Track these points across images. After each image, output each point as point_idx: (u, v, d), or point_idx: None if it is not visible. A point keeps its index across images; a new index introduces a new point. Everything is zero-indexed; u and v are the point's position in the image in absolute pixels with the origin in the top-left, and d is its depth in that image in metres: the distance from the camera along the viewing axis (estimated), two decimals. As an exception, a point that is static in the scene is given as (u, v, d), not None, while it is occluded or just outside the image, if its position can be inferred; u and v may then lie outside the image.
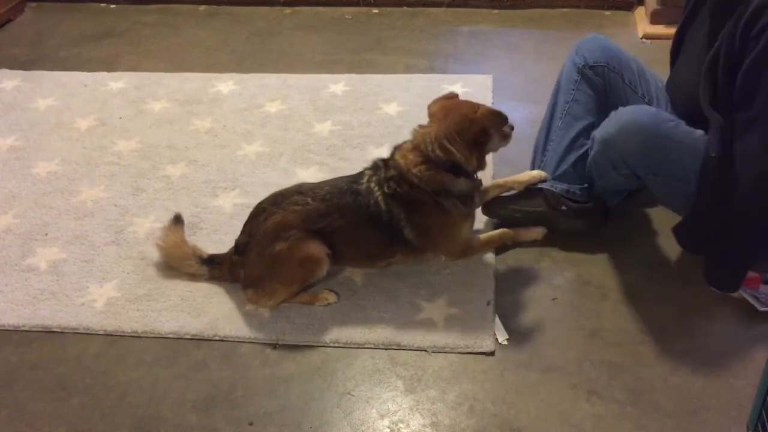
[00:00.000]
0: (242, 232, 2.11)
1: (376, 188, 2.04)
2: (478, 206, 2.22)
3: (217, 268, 2.15)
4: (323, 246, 2.02)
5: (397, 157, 2.07)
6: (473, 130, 1.98)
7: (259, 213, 2.08)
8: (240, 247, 2.09)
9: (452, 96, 2.14)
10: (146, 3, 3.99)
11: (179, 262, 2.18)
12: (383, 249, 2.12)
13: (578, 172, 2.24)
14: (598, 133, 2.10)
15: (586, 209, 2.24)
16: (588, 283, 2.14)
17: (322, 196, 2.05)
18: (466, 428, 1.77)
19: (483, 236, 2.24)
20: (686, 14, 2.12)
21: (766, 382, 1.58)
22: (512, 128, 2.10)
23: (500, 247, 2.27)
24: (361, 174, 2.12)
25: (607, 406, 1.80)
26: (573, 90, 2.30)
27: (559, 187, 2.24)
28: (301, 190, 2.09)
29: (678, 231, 2.07)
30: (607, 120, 2.08)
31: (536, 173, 2.30)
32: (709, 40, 1.90)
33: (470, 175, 2.08)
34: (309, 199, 2.04)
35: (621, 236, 2.29)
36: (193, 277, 2.18)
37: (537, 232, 2.27)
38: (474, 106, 2.03)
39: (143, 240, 2.37)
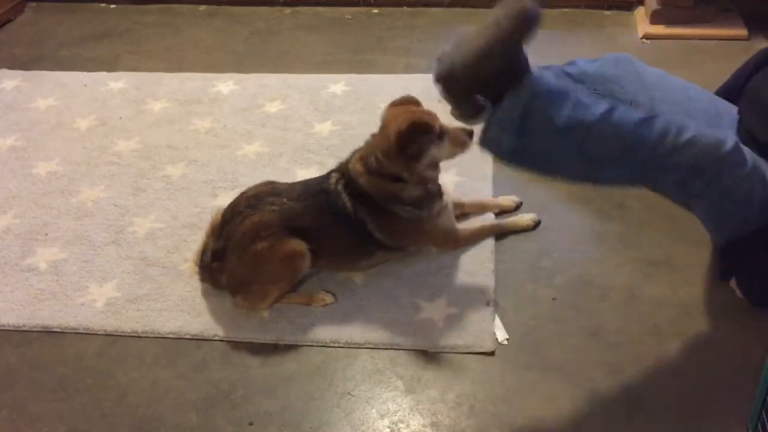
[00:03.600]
0: (218, 237, 2.08)
1: (343, 191, 2.05)
2: (443, 208, 2.14)
3: (204, 269, 2.12)
4: (302, 242, 2.01)
5: (351, 164, 2.06)
6: (393, 150, 1.93)
7: (234, 216, 2.05)
8: (218, 253, 2.05)
9: (405, 102, 2.05)
10: (146, 3, 3.99)
11: (208, 236, 2.17)
12: (360, 249, 2.11)
13: None
14: None
15: None
16: (588, 283, 2.14)
17: (297, 195, 2.06)
18: (466, 428, 1.77)
19: (472, 228, 2.25)
20: None
21: (766, 382, 1.58)
22: (470, 133, 1.98)
23: (499, 240, 2.27)
24: (328, 175, 2.12)
25: (607, 406, 1.80)
26: None
27: None
28: (275, 191, 2.08)
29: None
30: None
31: (511, 200, 2.37)
32: None
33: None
34: (285, 199, 2.04)
35: (621, 236, 2.29)
36: (194, 264, 2.17)
37: (527, 221, 2.29)
38: (400, 121, 1.92)
39: (143, 240, 2.37)
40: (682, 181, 1.78)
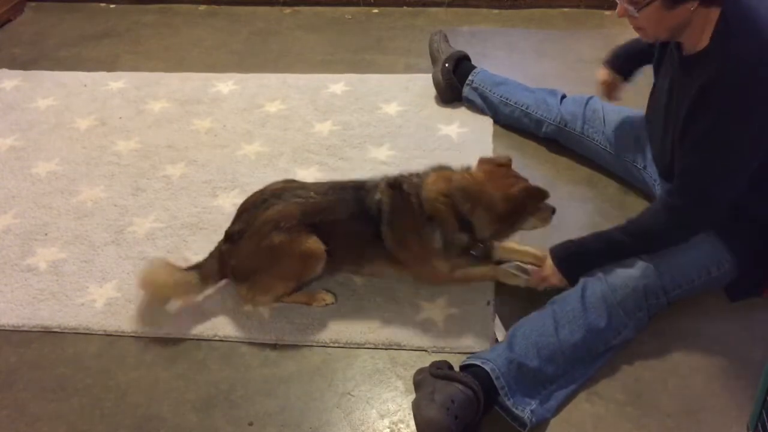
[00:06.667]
0: (236, 221, 2.07)
1: (385, 191, 2.04)
2: (461, 265, 2.10)
3: (205, 265, 2.08)
4: (320, 242, 2.01)
5: (431, 176, 2.05)
6: (507, 208, 1.94)
7: (258, 203, 2.05)
8: (233, 236, 2.04)
9: (506, 163, 2.07)
10: (146, 3, 3.99)
11: (171, 288, 2.06)
12: (367, 249, 2.08)
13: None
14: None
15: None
16: (588, 283, 2.14)
17: (324, 191, 2.07)
18: (466, 428, 1.76)
19: (462, 271, 2.11)
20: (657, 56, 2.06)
21: (766, 382, 1.58)
22: (554, 211, 2.04)
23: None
24: (376, 179, 2.11)
25: (607, 406, 1.80)
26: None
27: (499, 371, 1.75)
28: (305, 185, 2.10)
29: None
30: None
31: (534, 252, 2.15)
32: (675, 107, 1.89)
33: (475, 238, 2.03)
34: (312, 193, 2.05)
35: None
36: (187, 289, 2.07)
37: (519, 282, 2.10)
38: (514, 182, 1.98)
39: (143, 240, 2.37)
40: None
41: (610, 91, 2.44)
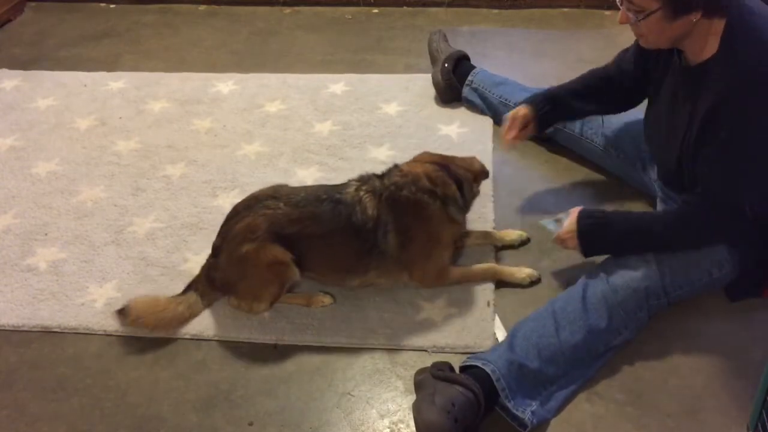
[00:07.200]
0: (217, 234, 2.09)
1: (366, 196, 2.02)
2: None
3: (199, 282, 2.09)
4: (287, 251, 1.99)
5: (407, 168, 2.09)
6: (483, 169, 2.19)
7: (234, 215, 2.06)
8: (215, 250, 2.07)
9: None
10: (146, 3, 3.99)
11: (163, 314, 2.03)
12: (357, 262, 2.06)
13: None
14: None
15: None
16: (588, 283, 2.14)
17: (296, 201, 2.03)
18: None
19: (463, 268, 2.15)
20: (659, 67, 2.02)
21: (766, 382, 1.58)
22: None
23: (499, 250, 2.27)
24: (346, 184, 2.09)
25: (607, 406, 1.80)
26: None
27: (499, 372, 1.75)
28: (276, 194, 2.06)
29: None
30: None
31: (517, 235, 2.27)
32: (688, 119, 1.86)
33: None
34: (281, 204, 2.02)
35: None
36: (190, 311, 2.07)
37: (524, 276, 2.13)
38: (480, 163, 2.22)
39: (143, 240, 2.37)
40: None
41: (511, 129, 2.30)
